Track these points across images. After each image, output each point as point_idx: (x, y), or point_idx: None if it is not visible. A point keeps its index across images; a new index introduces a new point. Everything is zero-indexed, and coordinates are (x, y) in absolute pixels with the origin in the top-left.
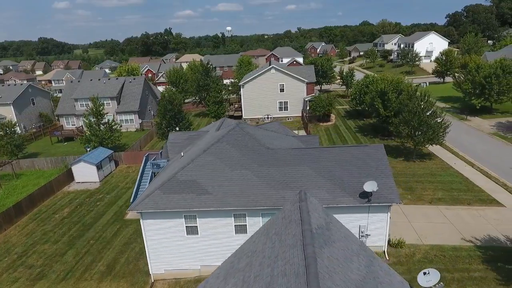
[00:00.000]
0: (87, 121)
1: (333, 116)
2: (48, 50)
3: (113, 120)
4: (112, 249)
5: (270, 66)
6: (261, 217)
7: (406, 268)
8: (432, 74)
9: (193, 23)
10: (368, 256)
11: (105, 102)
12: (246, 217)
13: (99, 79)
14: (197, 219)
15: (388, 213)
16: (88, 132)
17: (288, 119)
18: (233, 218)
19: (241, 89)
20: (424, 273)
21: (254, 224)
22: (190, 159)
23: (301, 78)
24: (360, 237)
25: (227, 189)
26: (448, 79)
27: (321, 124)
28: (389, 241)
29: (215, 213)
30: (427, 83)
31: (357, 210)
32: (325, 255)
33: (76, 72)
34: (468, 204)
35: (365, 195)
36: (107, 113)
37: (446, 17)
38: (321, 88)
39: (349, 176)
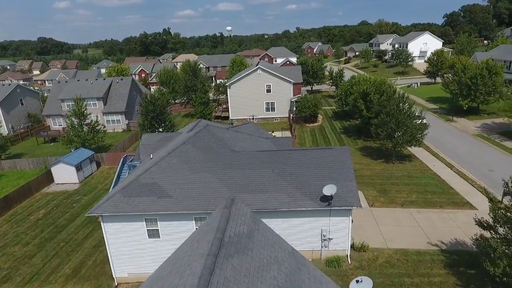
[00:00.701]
0: (69, 122)
1: (320, 117)
2: (48, 50)
3: (96, 121)
4: (81, 251)
5: (256, 67)
6: None
7: (367, 273)
8: (424, 74)
9: (193, 23)
10: (296, 263)
11: (91, 102)
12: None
13: (86, 80)
14: (158, 222)
15: (350, 216)
16: (71, 133)
17: (275, 119)
18: (194, 221)
19: (228, 89)
20: (357, 281)
21: None
22: (154, 161)
23: (287, 78)
24: (323, 240)
25: (188, 192)
26: (439, 79)
27: (307, 125)
28: (353, 244)
29: (176, 216)
30: (419, 84)
31: (319, 213)
32: (230, 265)
33: (70, 72)
34: (440, 207)
35: (326, 199)
36: (90, 114)
37: (443, 17)
38: (312, 88)
39: (311, 179)
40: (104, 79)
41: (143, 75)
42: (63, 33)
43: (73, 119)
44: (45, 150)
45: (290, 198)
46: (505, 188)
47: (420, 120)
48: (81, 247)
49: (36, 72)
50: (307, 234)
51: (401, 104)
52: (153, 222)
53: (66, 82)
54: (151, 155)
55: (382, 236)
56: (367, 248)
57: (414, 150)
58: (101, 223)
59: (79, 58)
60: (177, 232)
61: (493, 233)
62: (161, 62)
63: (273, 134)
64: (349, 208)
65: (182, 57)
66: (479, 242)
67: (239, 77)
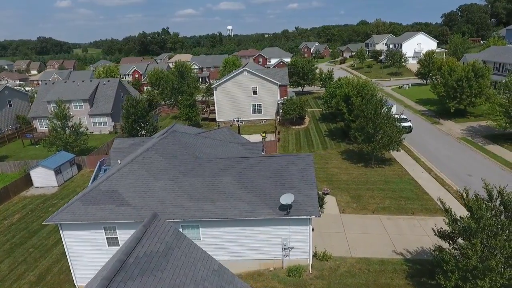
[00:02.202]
0: (51, 124)
1: (307, 119)
2: (47, 50)
3: (79, 123)
4: (49, 258)
5: (242, 69)
6: (181, 229)
7: (326, 283)
8: (415, 75)
9: (194, 22)
10: (221, 282)
11: (78, 104)
12: None
13: (73, 81)
14: (117, 230)
15: (310, 225)
16: (53, 136)
17: (262, 122)
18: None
19: (214, 91)
20: None
21: None
22: (117, 168)
23: (273, 80)
24: (283, 249)
25: (148, 201)
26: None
27: (293, 127)
28: (315, 253)
29: (134, 225)
30: (410, 85)
31: (278, 222)
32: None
33: (64, 72)
34: (411, 213)
35: (285, 208)
36: (72, 116)
37: (441, 17)
38: (302, 89)
39: (272, 188)
40: (91, 80)
41: (136, 75)
42: (64, 33)
43: (55, 121)
44: (29, 152)
45: (250, 206)
46: (461, 198)
47: (399, 124)
48: (49, 253)
49: (33, 72)
50: (268, 243)
51: (379, 108)
52: (112, 231)
53: (53, 83)
54: (119, 160)
55: (347, 244)
56: (329, 257)
57: (396, 154)
58: (60, 232)
59: (77, 58)
60: None
61: (452, 243)
62: (157, 62)
63: (263, 135)
64: (308, 217)
65: (178, 57)
66: (435, 254)
67: (225, 79)
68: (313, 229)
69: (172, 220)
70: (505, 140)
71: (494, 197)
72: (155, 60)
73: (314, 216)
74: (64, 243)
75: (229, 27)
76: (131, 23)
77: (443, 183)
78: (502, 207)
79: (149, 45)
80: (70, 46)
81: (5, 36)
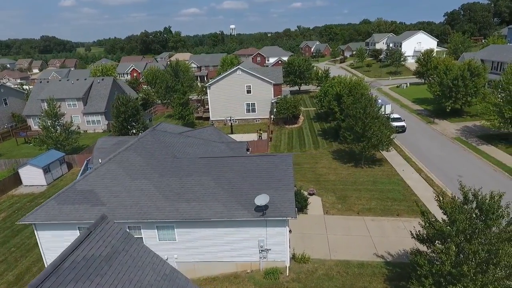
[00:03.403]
0: (41, 123)
1: (301, 118)
2: (50, 49)
3: (70, 122)
4: (30, 257)
5: (236, 67)
6: (156, 230)
7: (302, 286)
8: (413, 75)
9: (198, 21)
10: (170, 287)
11: (71, 103)
12: (142, 230)
13: (67, 80)
14: None
15: (287, 227)
16: (44, 134)
17: (256, 120)
18: (128, 230)
19: (208, 90)
20: None
21: (150, 237)
22: (95, 167)
23: (267, 79)
24: (260, 251)
25: (123, 201)
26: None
27: (287, 126)
28: (294, 255)
29: None
30: (408, 84)
31: (254, 224)
32: None
33: (63, 71)
34: (397, 215)
35: (261, 209)
36: (64, 114)
37: (444, 16)
38: (299, 88)
39: (249, 188)
40: (86, 79)
41: (134, 74)
42: (68, 32)
43: (46, 119)
44: (22, 151)
45: (225, 207)
46: (437, 200)
47: (391, 124)
48: (31, 253)
49: (35, 70)
50: (245, 245)
51: (368, 107)
52: None
53: (47, 82)
54: (99, 160)
55: (328, 246)
56: (308, 259)
57: (388, 154)
58: (35, 232)
59: (79, 57)
60: None
61: (430, 247)
62: (157, 61)
63: (260, 132)
64: (285, 218)
65: (178, 56)
66: (412, 257)
67: (219, 78)
68: (290, 230)
69: (146, 221)
70: (500, 140)
71: (470, 199)
72: (155, 59)
73: (290, 218)
74: (39, 243)
75: (232, 26)
76: (135, 22)
77: (432, 184)
78: (477, 210)
79: (151, 44)
80: (73, 45)
81: (10, 36)
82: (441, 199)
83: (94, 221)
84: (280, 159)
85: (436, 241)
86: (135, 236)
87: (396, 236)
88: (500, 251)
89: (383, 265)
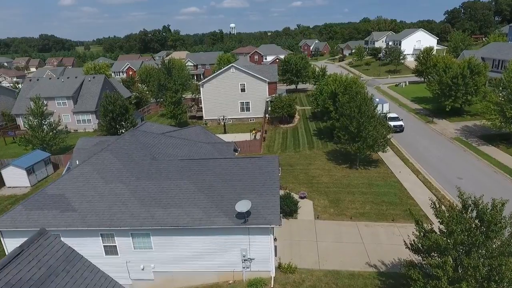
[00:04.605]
0: (27, 121)
1: (297, 118)
2: (49, 47)
3: (58, 121)
4: None
5: (229, 65)
6: (131, 238)
7: None
8: (413, 73)
9: (198, 20)
10: None
11: (61, 101)
12: (115, 237)
13: (57, 78)
14: (61, 238)
15: (271, 235)
16: (29, 133)
17: (250, 120)
18: (100, 238)
19: (201, 88)
20: None
21: (124, 245)
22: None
23: (262, 77)
24: (243, 261)
25: (95, 206)
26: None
27: (281, 126)
28: (280, 265)
29: (80, 232)
30: (407, 83)
31: (236, 231)
32: None
33: (58, 69)
34: (392, 220)
35: (243, 215)
36: (51, 114)
37: (444, 14)
38: (296, 87)
39: (231, 193)
40: (76, 77)
41: (130, 73)
42: (68, 31)
43: (31, 118)
44: (10, 151)
45: (204, 214)
46: (433, 208)
47: (388, 124)
48: None
49: (33, 69)
50: (226, 254)
51: (363, 106)
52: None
53: (37, 80)
54: (77, 161)
55: (317, 255)
56: (294, 269)
57: (384, 154)
58: (1, 239)
59: (77, 56)
60: (84, 250)
61: (425, 258)
62: (155, 60)
63: (254, 132)
64: (268, 226)
65: (175, 55)
66: (406, 270)
67: (212, 76)
68: (275, 238)
69: (119, 228)
70: (501, 141)
71: (470, 208)
72: (153, 57)
73: (274, 226)
74: (6, 251)
75: (232, 25)
76: (135, 21)
77: (430, 186)
78: (477, 221)
79: (149, 42)
80: (72, 44)
81: (9, 34)
82: (437, 206)
83: (30, 237)
84: (265, 161)
85: (432, 253)
86: (108, 244)
87: (391, 243)
88: (503, 266)
89: (375, 276)
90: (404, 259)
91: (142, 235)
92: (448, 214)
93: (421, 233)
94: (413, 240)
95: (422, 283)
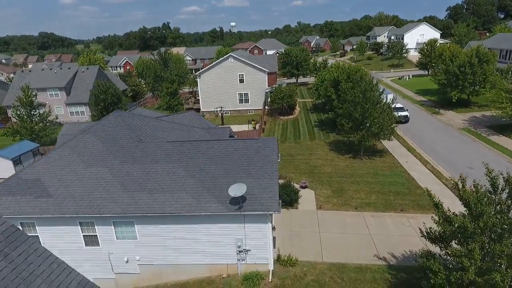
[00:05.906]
0: (15, 111)
1: (297, 109)
2: (49, 45)
3: (49, 111)
4: None
5: (227, 55)
6: (113, 226)
7: None
8: (416, 66)
9: (199, 19)
10: None
11: (53, 93)
12: (96, 226)
13: (50, 69)
14: (37, 227)
15: (269, 223)
16: (18, 124)
17: (249, 112)
18: (79, 226)
19: (198, 79)
20: None
21: (106, 234)
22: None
23: (261, 67)
24: (238, 252)
25: (72, 191)
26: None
27: (281, 117)
28: (279, 257)
29: (57, 220)
30: (411, 76)
31: (230, 219)
32: None
33: (55, 64)
34: (401, 210)
35: (237, 201)
36: (42, 104)
37: (446, 10)
38: (297, 80)
39: (224, 177)
40: (69, 68)
41: (128, 67)
42: (68, 30)
43: (20, 109)
44: (0, 142)
45: (194, 199)
46: (455, 189)
47: (394, 113)
48: None
49: (31, 66)
50: (220, 245)
51: (368, 92)
52: (31, 227)
53: (29, 71)
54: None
55: (320, 246)
56: (295, 261)
57: (389, 144)
58: None
59: (75, 53)
60: (62, 239)
61: (444, 248)
62: (153, 56)
63: (254, 123)
64: (266, 213)
65: (174, 51)
66: (422, 261)
67: (210, 66)
68: (274, 227)
69: (99, 215)
70: None
71: (500, 188)
72: (152, 54)
73: (273, 212)
74: None
75: (233, 24)
76: (135, 20)
77: (440, 176)
78: (510, 201)
79: (149, 40)
80: (71, 42)
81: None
82: (461, 186)
83: None
84: (262, 143)
85: (453, 241)
86: (89, 234)
87: (400, 234)
88: None
89: (385, 269)
90: (416, 251)
91: (125, 224)
92: (476, 195)
93: (441, 218)
94: (429, 227)
95: (444, 275)
